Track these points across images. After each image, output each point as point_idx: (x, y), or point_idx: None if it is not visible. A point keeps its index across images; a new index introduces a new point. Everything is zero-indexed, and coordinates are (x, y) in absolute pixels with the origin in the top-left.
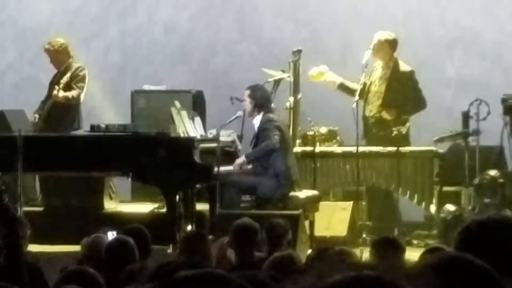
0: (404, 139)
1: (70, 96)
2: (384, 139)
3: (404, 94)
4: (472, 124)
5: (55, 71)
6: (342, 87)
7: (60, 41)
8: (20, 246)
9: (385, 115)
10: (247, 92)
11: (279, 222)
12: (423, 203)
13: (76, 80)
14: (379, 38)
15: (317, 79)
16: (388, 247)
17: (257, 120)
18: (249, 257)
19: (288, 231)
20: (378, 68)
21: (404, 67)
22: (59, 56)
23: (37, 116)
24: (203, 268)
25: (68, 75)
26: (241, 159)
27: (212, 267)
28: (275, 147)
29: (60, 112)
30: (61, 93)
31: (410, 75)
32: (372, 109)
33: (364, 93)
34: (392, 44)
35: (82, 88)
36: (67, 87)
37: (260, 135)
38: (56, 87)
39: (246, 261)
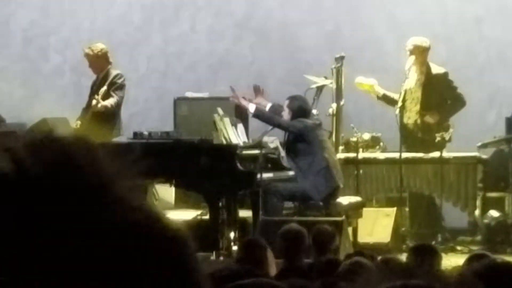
0: (441, 146)
1: (109, 105)
2: (424, 144)
3: (440, 96)
4: None
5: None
6: (384, 98)
7: (100, 46)
8: None
9: (429, 119)
10: (286, 102)
11: (326, 228)
12: (467, 209)
13: (115, 87)
14: (417, 43)
15: (363, 89)
16: (425, 254)
17: None
18: (298, 262)
19: (335, 237)
20: (413, 75)
21: (437, 69)
22: (98, 61)
23: (79, 123)
24: (256, 276)
25: (107, 83)
26: (252, 106)
27: (268, 276)
28: (288, 127)
29: (101, 120)
30: (100, 103)
31: (444, 76)
32: (410, 115)
33: (402, 100)
34: (427, 50)
35: (120, 96)
36: (106, 95)
37: (290, 142)
38: (96, 96)
39: (294, 266)
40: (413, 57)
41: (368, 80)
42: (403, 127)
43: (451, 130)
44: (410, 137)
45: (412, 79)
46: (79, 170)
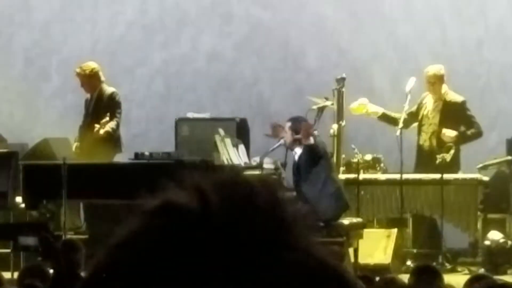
0: (453, 165)
1: (111, 130)
2: (438, 165)
3: (457, 123)
4: None
5: None
6: (384, 118)
7: (92, 65)
8: (64, 275)
9: (445, 136)
10: (288, 124)
11: (334, 249)
12: (468, 231)
13: (112, 108)
14: (434, 72)
15: (358, 112)
16: (428, 275)
17: (298, 151)
18: None
19: (344, 258)
20: (430, 100)
21: (455, 97)
22: (90, 81)
23: (77, 144)
24: None
25: (103, 105)
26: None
27: None
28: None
29: (102, 141)
30: (102, 131)
31: (462, 105)
32: (426, 138)
33: (418, 124)
34: (443, 77)
35: (119, 116)
36: (106, 118)
37: (302, 165)
38: (97, 126)
39: None
40: (413, 79)
41: (358, 101)
42: (418, 150)
43: (452, 151)
44: (425, 159)
45: (429, 104)
46: (262, 215)
